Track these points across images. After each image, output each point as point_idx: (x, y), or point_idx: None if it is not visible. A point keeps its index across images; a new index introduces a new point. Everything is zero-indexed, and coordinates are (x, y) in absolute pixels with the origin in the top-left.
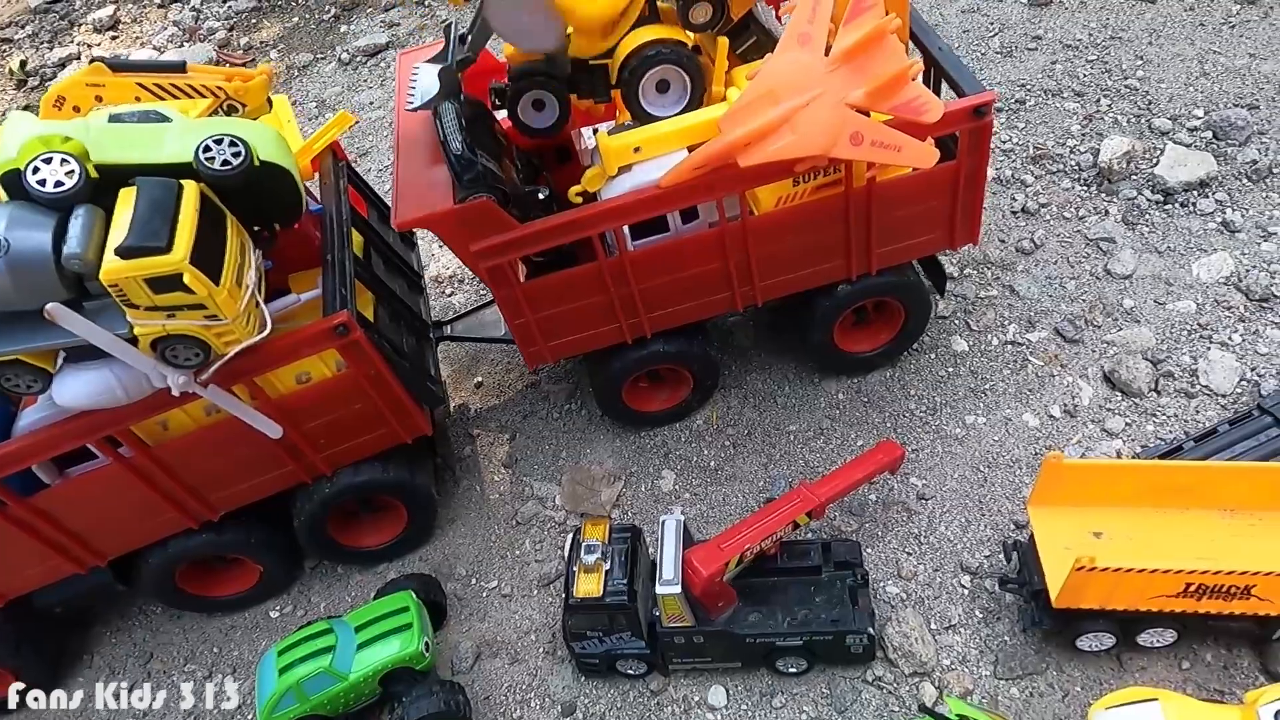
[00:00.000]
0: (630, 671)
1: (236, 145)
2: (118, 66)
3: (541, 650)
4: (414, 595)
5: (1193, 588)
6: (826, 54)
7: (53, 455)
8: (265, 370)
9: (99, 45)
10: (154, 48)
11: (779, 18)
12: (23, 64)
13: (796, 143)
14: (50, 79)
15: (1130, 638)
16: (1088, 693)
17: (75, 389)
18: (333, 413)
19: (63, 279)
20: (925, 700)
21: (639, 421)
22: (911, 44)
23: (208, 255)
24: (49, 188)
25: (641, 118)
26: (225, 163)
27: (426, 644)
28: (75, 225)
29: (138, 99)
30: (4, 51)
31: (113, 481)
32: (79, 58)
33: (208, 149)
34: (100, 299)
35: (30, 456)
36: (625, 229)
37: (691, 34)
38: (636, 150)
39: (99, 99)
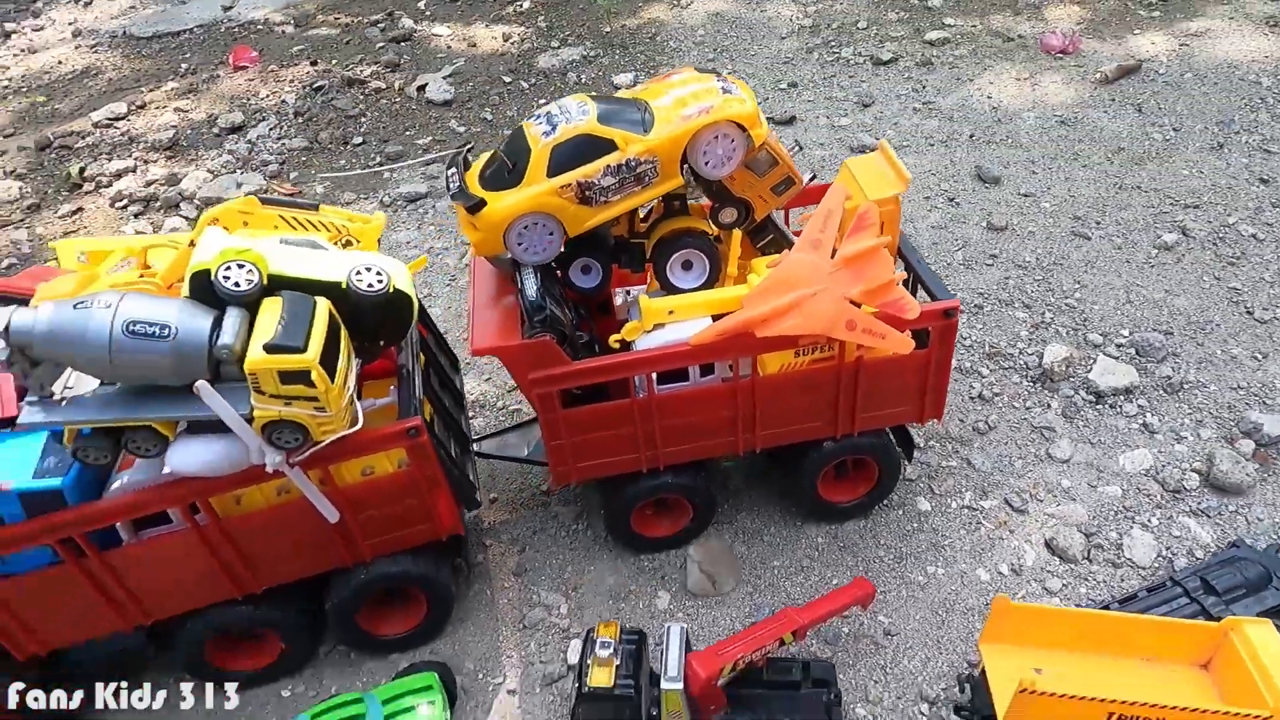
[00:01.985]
0: None
1: (380, 274)
2: (266, 201)
3: None
4: (437, 677)
5: (1114, 717)
6: (832, 257)
7: (145, 514)
8: (343, 459)
9: (156, 162)
10: (209, 170)
11: (786, 221)
12: (81, 170)
13: (803, 324)
14: (106, 186)
15: None
16: None
17: (190, 457)
18: (386, 505)
19: (209, 363)
20: None
21: (641, 546)
22: (899, 257)
23: (328, 358)
24: (232, 286)
25: (668, 288)
26: (370, 285)
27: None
28: (229, 322)
29: (276, 228)
30: (64, 157)
31: (181, 546)
32: (134, 170)
33: (359, 273)
34: (227, 382)
35: (126, 513)
36: (654, 375)
37: (715, 227)
38: (670, 313)
39: (245, 224)
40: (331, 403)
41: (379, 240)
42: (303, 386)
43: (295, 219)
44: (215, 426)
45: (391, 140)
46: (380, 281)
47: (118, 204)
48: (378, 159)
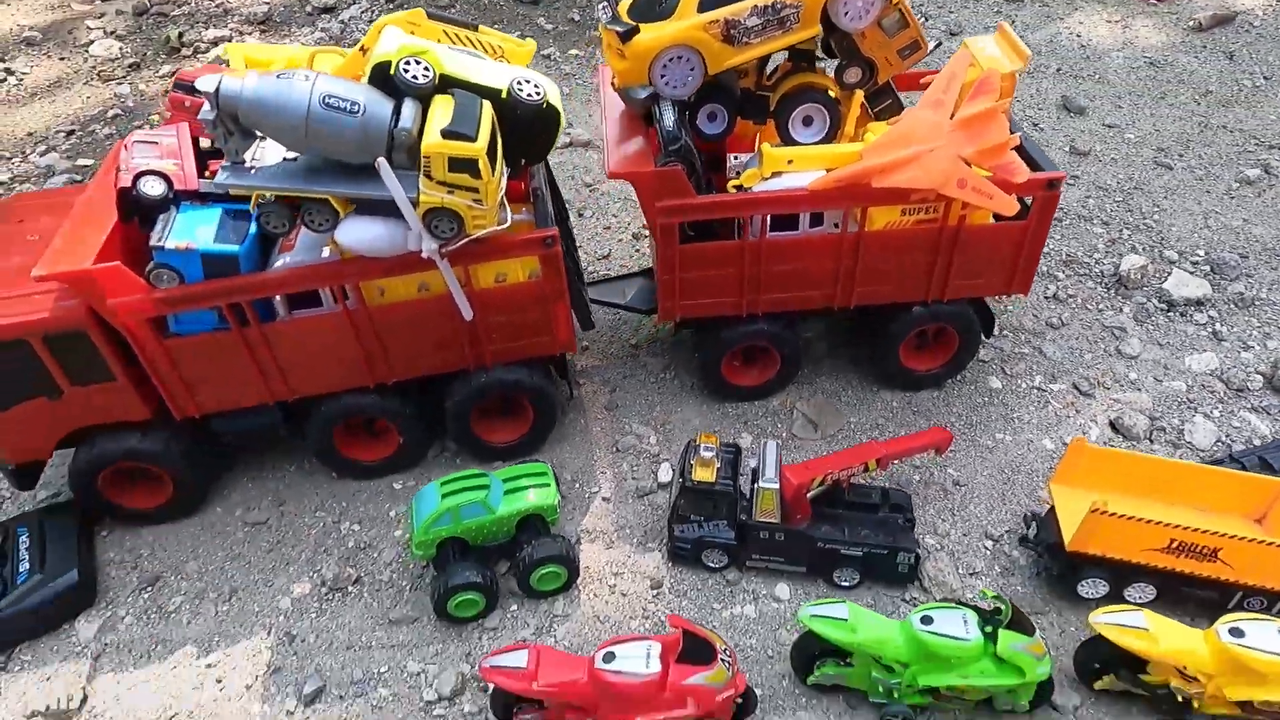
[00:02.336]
0: (712, 564)
1: (539, 86)
2: (431, 15)
3: (635, 541)
4: (550, 467)
5: (1174, 544)
6: (952, 117)
7: (306, 288)
8: (485, 260)
9: (250, 34)
10: (301, 44)
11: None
12: (180, 35)
13: (919, 177)
14: (203, 52)
15: (1120, 589)
16: (1080, 632)
17: (357, 233)
18: (513, 313)
19: (387, 144)
20: None
21: (728, 393)
22: None
23: (490, 155)
24: (411, 78)
25: (788, 141)
26: (530, 95)
27: (559, 501)
28: (407, 109)
29: (439, 40)
30: (160, 23)
31: (329, 328)
32: (229, 39)
33: (520, 83)
34: (397, 169)
35: (290, 285)
36: (768, 219)
37: (837, 88)
38: (789, 162)
39: (413, 33)
40: (488, 195)
41: (528, 65)
42: (467, 176)
43: (457, 34)
44: (383, 209)
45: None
46: (539, 93)
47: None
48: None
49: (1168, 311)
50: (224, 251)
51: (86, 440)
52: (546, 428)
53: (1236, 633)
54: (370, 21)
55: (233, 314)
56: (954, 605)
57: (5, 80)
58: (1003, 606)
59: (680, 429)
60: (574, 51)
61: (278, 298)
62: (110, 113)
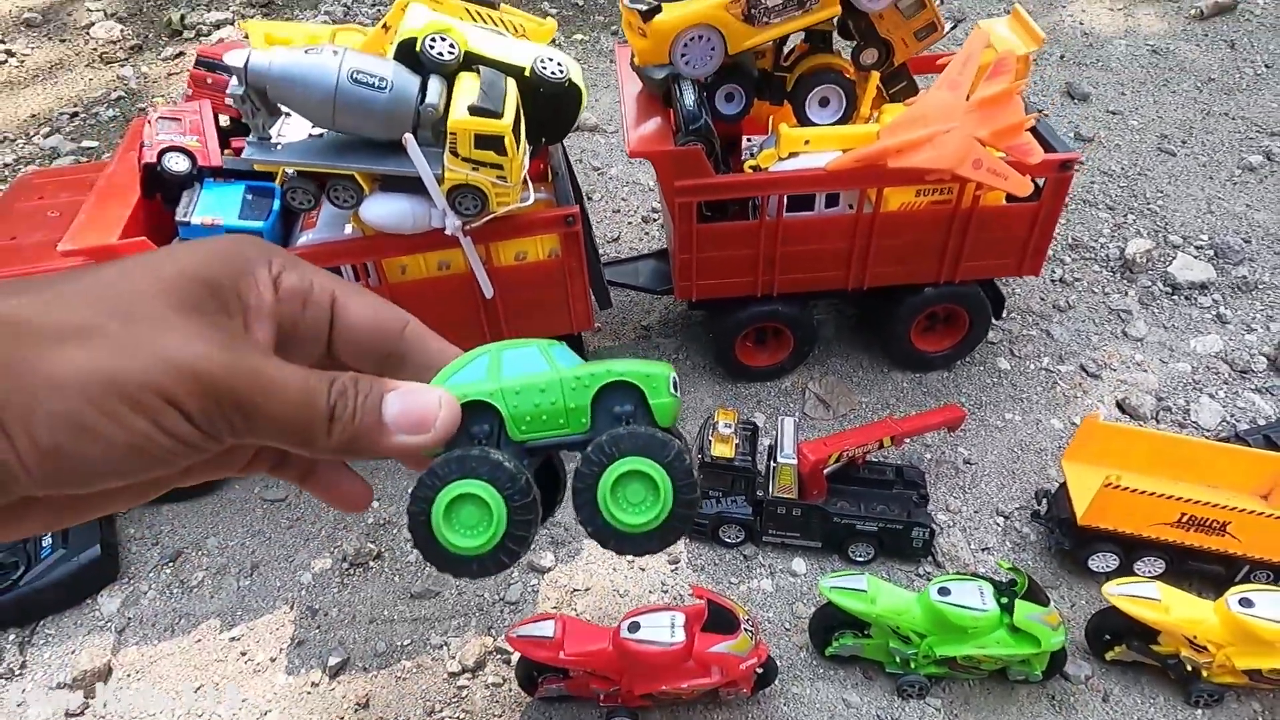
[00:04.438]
0: (729, 540)
1: (562, 64)
2: None
3: None
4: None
5: (1185, 518)
6: (968, 98)
7: (328, 267)
8: (507, 238)
9: (254, 17)
10: (319, 24)
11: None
12: (182, 18)
13: (935, 157)
14: (206, 35)
15: (1130, 563)
16: (1090, 605)
17: (382, 210)
18: (532, 291)
19: (413, 121)
20: None
21: (740, 374)
22: None
23: (514, 133)
24: (437, 55)
25: (804, 122)
26: (553, 73)
27: (674, 384)
28: (433, 86)
29: (461, 18)
30: (162, 5)
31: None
32: (232, 22)
33: (543, 61)
34: (423, 145)
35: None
36: (785, 199)
37: (854, 70)
38: (806, 143)
39: (436, 10)
40: (513, 173)
41: (550, 44)
42: (493, 153)
43: (479, 12)
44: (408, 185)
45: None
46: (562, 70)
47: None
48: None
49: (1172, 295)
50: (249, 227)
51: None
52: None
53: (1246, 603)
54: (374, 4)
55: None
56: (970, 577)
57: (6, 62)
58: (1018, 578)
59: (694, 408)
60: (579, 36)
61: None
62: (114, 95)
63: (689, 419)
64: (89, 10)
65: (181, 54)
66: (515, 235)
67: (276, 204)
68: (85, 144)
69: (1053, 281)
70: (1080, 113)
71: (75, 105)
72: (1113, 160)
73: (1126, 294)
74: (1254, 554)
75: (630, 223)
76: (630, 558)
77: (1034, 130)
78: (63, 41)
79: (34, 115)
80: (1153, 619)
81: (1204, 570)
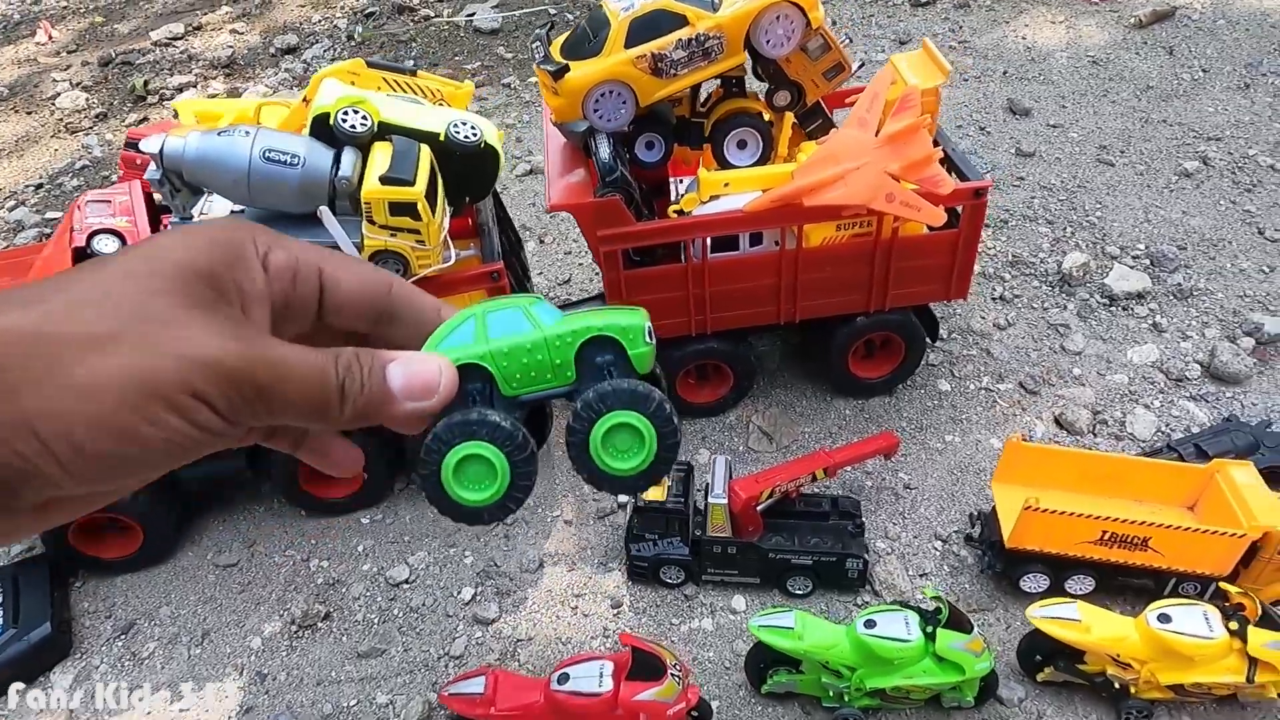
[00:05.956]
0: (670, 580)
1: (475, 128)
2: (371, 64)
3: (595, 562)
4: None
5: (1106, 535)
6: (877, 134)
7: None
8: (436, 297)
9: (216, 79)
10: (267, 86)
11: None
12: (145, 83)
13: (847, 194)
14: (169, 98)
15: (1060, 582)
16: (1025, 626)
17: None
18: None
19: (329, 193)
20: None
21: (683, 411)
22: (934, 143)
23: (430, 195)
24: (349, 127)
25: (724, 165)
26: (466, 136)
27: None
28: (347, 158)
29: (379, 88)
30: (127, 72)
31: None
32: (195, 84)
33: (456, 126)
34: (341, 216)
35: None
36: (709, 241)
37: (769, 110)
38: (726, 185)
39: (353, 82)
40: (431, 236)
41: (468, 107)
42: (408, 219)
43: (396, 81)
44: None
45: (441, 65)
46: (475, 134)
47: None
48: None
49: (1110, 306)
50: None
51: None
52: None
53: (1164, 619)
54: (332, 60)
55: None
56: (898, 607)
57: None
58: (942, 606)
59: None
60: (534, 79)
61: None
62: (79, 164)
63: None
64: (55, 81)
65: (145, 118)
66: (442, 295)
67: None
68: (50, 215)
69: (993, 299)
70: (1022, 128)
71: (40, 176)
72: (1053, 174)
73: (1065, 308)
74: (1178, 566)
75: (581, 264)
76: (573, 603)
77: (948, 159)
78: (29, 114)
79: (0, 189)
80: (1075, 639)
81: (1134, 585)
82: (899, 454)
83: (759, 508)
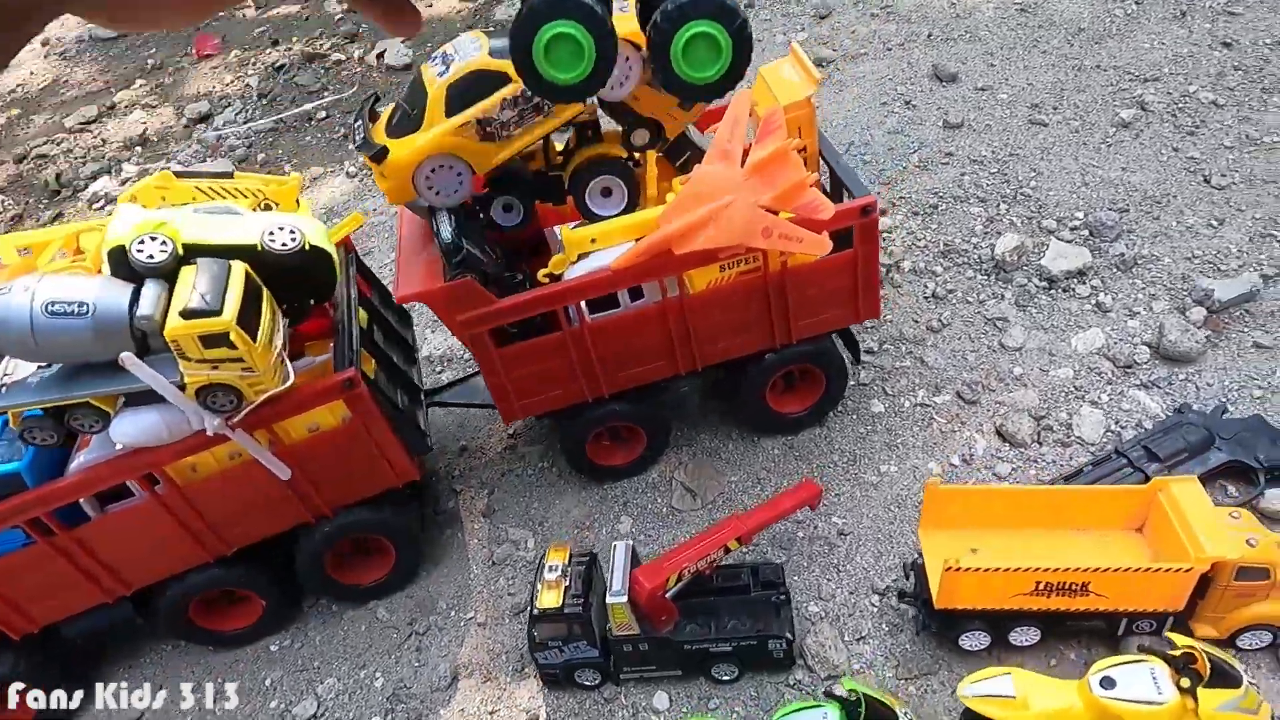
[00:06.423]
0: (586, 683)
1: (294, 232)
2: (180, 174)
3: (511, 669)
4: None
5: (1042, 585)
6: (742, 165)
7: (103, 489)
8: (284, 417)
9: (129, 160)
10: (179, 162)
11: (702, 131)
12: (58, 177)
13: (718, 235)
14: (82, 190)
15: (1002, 636)
16: None
17: (131, 428)
18: (337, 459)
19: (132, 335)
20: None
21: (601, 475)
22: (820, 159)
23: (248, 319)
24: (146, 258)
25: (589, 217)
26: (284, 244)
27: None
28: (147, 293)
29: (194, 198)
30: (42, 166)
31: (146, 516)
32: (109, 171)
33: (272, 234)
34: (157, 353)
35: (85, 490)
36: (584, 304)
37: (629, 151)
38: (593, 241)
39: (163, 199)
40: (257, 362)
41: (297, 199)
42: (224, 349)
43: (211, 188)
44: (153, 397)
45: (354, 111)
46: (294, 240)
47: (95, 205)
48: (341, 131)
49: (1049, 290)
50: (3, 472)
51: None
52: (412, 558)
53: (1107, 683)
54: (246, 124)
55: (35, 528)
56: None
57: None
58: (861, 699)
59: (559, 522)
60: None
61: (82, 500)
62: None
63: (553, 538)
64: None
65: (60, 215)
66: (294, 413)
67: None
68: None
69: (925, 299)
70: (949, 95)
71: None
72: (983, 144)
73: (1002, 298)
74: (1126, 607)
75: None
76: None
77: (833, 175)
78: None
79: None
80: (1011, 719)
81: (1085, 628)
82: (831, 495)
83: (668, 594)
